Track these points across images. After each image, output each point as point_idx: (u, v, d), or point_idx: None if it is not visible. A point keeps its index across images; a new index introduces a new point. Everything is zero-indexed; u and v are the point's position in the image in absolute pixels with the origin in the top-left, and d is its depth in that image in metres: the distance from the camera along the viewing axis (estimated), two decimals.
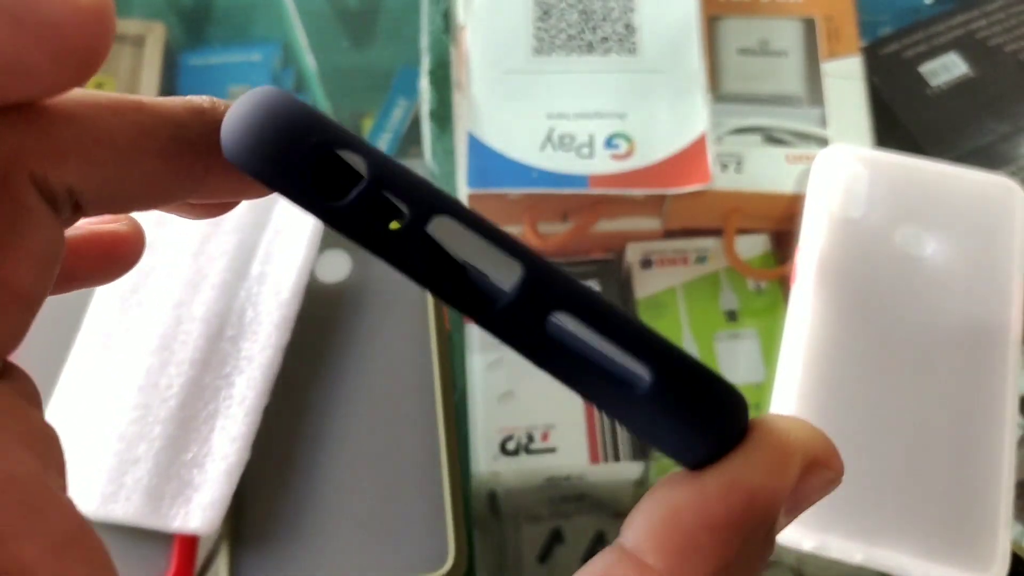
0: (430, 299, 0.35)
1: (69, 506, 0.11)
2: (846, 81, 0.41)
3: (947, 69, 0.44)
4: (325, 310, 0.36)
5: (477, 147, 0.38)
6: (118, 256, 0.16)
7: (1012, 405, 0.30)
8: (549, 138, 0.38)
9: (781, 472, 0.12)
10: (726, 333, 0.37)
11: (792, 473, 0.13)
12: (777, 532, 0.13)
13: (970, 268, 0.33)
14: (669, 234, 0.39)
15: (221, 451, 0.31)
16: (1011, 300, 0.32)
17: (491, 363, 0.37)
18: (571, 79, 0.40)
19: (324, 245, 0.36)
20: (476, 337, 0.37)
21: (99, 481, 0.31)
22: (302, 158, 0.12)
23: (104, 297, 0.35)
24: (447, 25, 0.42)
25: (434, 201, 0.12)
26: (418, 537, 0.31)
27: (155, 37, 0.46)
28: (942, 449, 0.29)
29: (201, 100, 0.14)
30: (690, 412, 0.12)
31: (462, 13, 0.41)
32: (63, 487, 0.11)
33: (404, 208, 0.12)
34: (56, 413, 0.33)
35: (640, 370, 0.12)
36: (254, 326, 0.34)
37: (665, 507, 0.12)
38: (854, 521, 0.28)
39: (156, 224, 0.36)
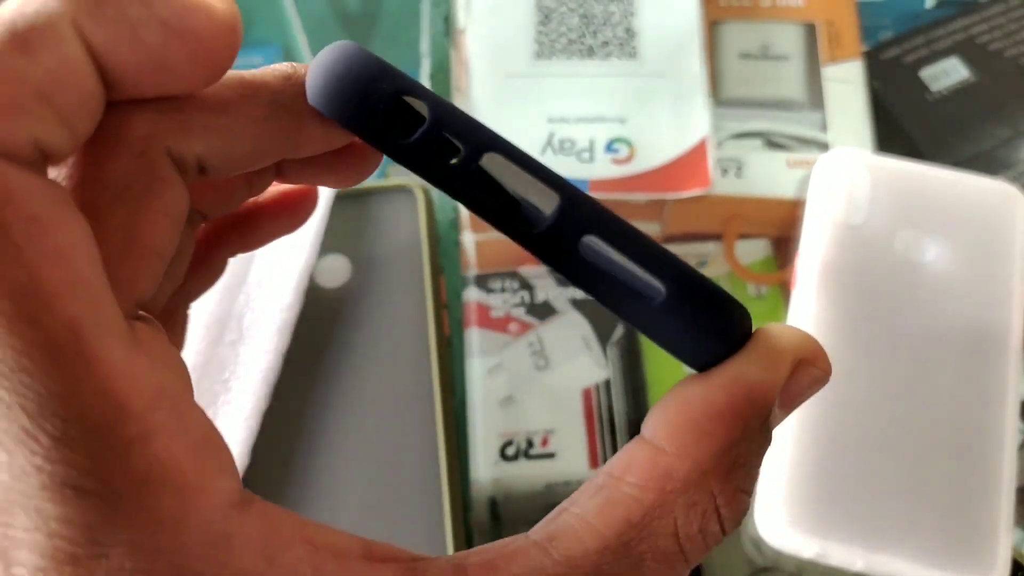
0: (430, 304, 0.35)
1: (203, 415, 0.14)
2: (847, 86, 0.41)
3: (948, 74, 0.44)
4: (325, 315, 0.36)
5: None
6: (304, 206, 0.20)
7: (1013, 410, 0.30)
8: (549, 142, 0.38)
9: (774, 368, 0.15)
10: None
11: (783, 369, 0.15)
12: (774, 425, 0.15)
13: (971, 273, 0.33)
14: (669, 239, 0.39)
15: None
16: (1012, 305, 0.32)
17: (491, 368, 0.36)
18: (572, 83, 0.40)
19: (324, 250, 0.36)
20: (476, 342, 0.37)
21: None
22: (374, 103, 0.14)
23: None
24: (447, 29, 0.42)
25: (485, 140, 0.14)
26: (417, 543, 0.31)
27: None
28: (943, 455, 0.29)
29: (285, 66, 0.16)
30: (697, 321, 0.14)
31: (462, 17, 0.41)
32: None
33: (460, 145, 0.14)
34: None
35: (657, 284, 0.14)
36: (253, 331, 0.34)
37: (677, 401, 0.14)
38: (855, 528, 0.28)
39: None
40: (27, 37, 0.12)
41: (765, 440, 0.15)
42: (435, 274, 0.36)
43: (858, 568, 0.27)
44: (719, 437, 0.14)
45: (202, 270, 0.20)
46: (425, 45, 0.42)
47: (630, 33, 0.41)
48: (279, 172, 0.18)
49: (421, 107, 0.15)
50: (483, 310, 0.37)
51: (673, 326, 0.14)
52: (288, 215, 0.20)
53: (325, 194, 0.36)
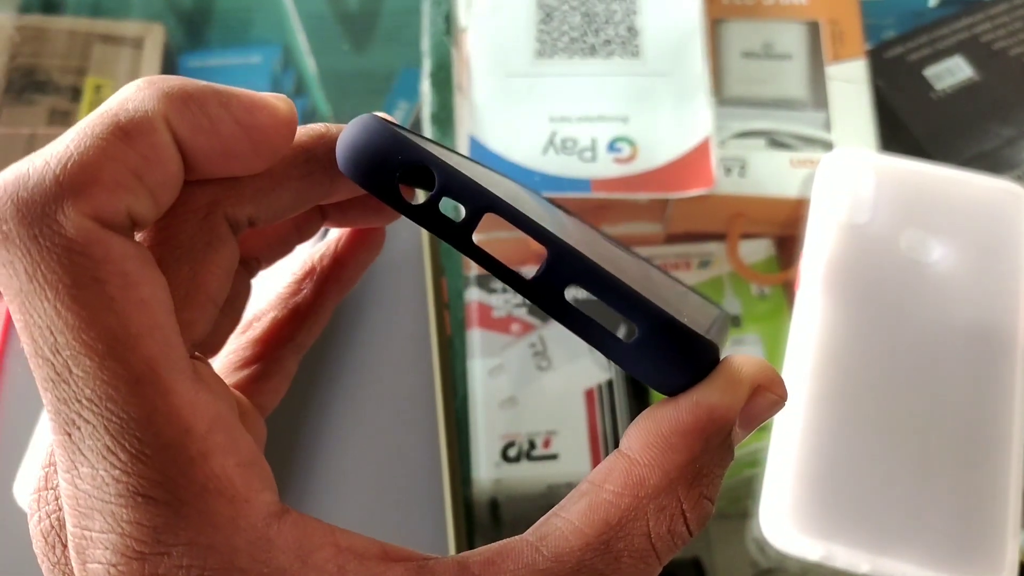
0: (431, 304, 0.35)
1: (250, 439, 0.16)
2: (850, 85, 0.41)
3: (952, 73, 0.44)
4: None
5: (479, 150, 0.38)
6: (374, 239, 0.22)
7: (1020, 412, 0.30)
8: (551, 141, 0.38)
9: (733, 394, 0.17)
10: (730, 338, 0.37)
11: (742, 395, 0.17)
12: (735, 442, 0.17)
13: (976, 273, 0.32)
14: (672, 239, 0.39)
15: None
16: (1017, 305, 0.32)
17: (492, 369, 0.36)
18: (573, 82, 0.39)
19: None
20: (477, 342, 0.36)
21: None
22: (389, 172, 0.17)
23: None
24: (448, 27, 0.42)
25: (485, 203, 0.17)
26: (419, 543, 0.31)
27: (154, 39, 0.46)
28: (949, 456, 0.29)
29: (319, 127, 0.18)
30: (666, 358, 0.17)
31: (464, 15, 0.40)
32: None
33: (463, 207, 0.17)
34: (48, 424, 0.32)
35: (632, 327, 0.17)
36: None
37: (650, 420, 0.17)
38: (860, 531, 0.28)
39: None
40: (127, 128, 0.15)
41: (727, 454, 0.17)
42: (436, 274, 0.36)
43: (863, 571, 0.27)
44: (685, 451, 0.17)
45: (311, 322, 0.22)
46: (426, 44, 0.42)
47: (632, 32, 0.40)
48: (324, 216, 0.21)
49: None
50: (485, 310, 0.37)
51: (646, 363, 0.17)
52: (365, 251, 0.23)
53: None
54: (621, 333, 0.17)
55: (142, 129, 0.15)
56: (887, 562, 0.27)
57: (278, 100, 0.17)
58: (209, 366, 0.17)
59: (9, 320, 0.35)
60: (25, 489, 0.31)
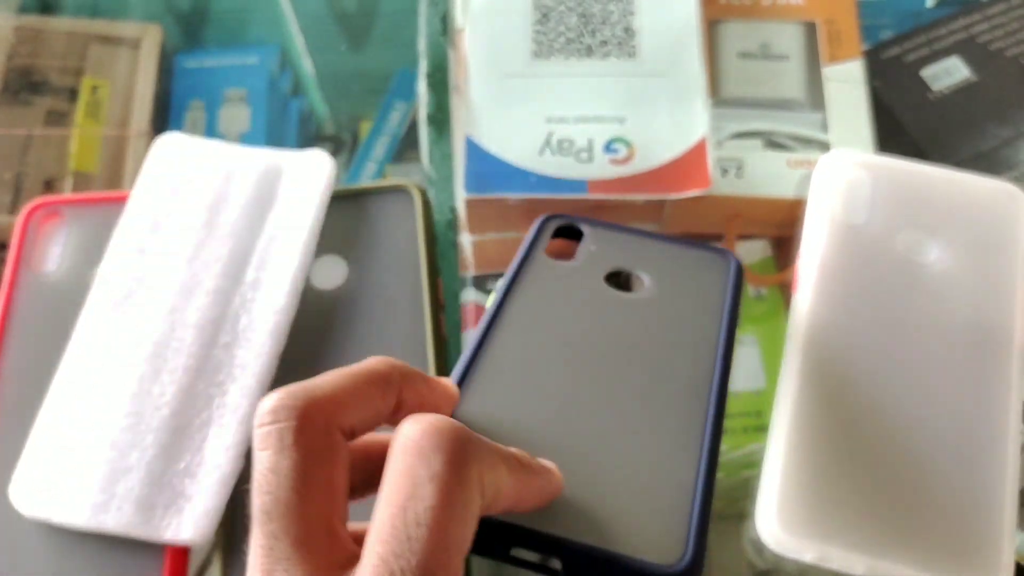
0: (427, 306, 0.35)
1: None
2: (847, 85, 0.41)
3: (949, 73, 0.44)
4: (321, 317, 0.35)
5: (475, 151, 0.38)
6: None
7: (1016, 413, 0.30)
8: (548, 142, 0.38)
9: None
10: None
11: None
12: None
13: (973, 274, 0.32)
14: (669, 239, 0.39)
15: (214, 460, 0.31)
16: (1014, 306, 0.32)
17: None
18: (570, 83, 0.39)
19: (320, 251, 0.36)
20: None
21: (90, 490, 0.31)
22: (504, 552, 0.23)
23: (97, 303, 0.34)
24: (445, 28, 0.42)
25: None
26: None
27: (151, 39, 0.46)
28: (945, 458, 0.29)
29: (384, 368, 0.23)
30: None
31: (460, 16, 0.40)
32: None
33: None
34: (47, 419, 0.32)
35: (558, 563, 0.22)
36: (248, 333, 0.33)
37: None
38: (856, 532, 0.28)
39: (150, 230, 0.36)
40: (383, 382, 0.22)
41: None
42: (432, 275, 0.35)
43: (859, 572, 0.27)
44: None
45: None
46: (423, 44, 0.42)
47: (629, 32, 0.40)
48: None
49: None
50: (481, 311, 0.37)
51: None
52: None
53: (320, 194, 0.36)
54: None
55: (391, 389, 0.22)
56: (882, 564, 0.27)
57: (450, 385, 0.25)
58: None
59: (4, 317, 0.35)
60: (22, 489, 0.31)
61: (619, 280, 0.31)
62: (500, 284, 0.30)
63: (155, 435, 0.31)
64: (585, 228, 0.32)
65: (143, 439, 0.31)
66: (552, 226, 0.32)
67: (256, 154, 0.38)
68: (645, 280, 0.30)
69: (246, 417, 0.32)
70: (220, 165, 0.37)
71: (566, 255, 0.31)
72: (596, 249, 0.31)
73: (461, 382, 0.26)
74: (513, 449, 0.22)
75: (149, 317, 0.34)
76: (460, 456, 0.19)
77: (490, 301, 0.29)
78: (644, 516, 0.24)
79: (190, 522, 0.30)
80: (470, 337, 0.36)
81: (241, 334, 0.33)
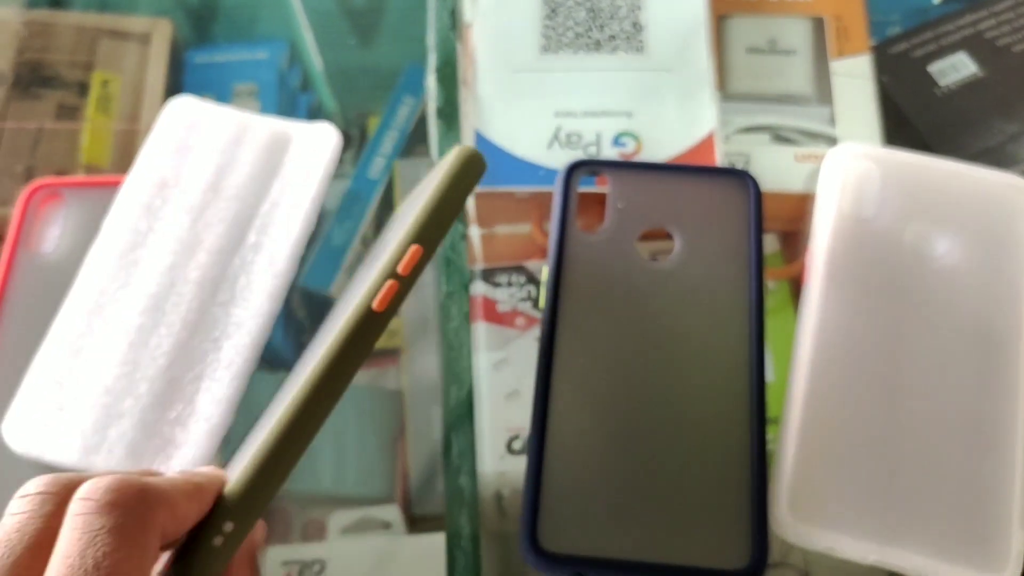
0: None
1: None
2: (855, 80, 0.41)
3: (956, 69, 0.44)
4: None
5: (484, 145, 0.38)
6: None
7: None
8: (556, 136, 0.38)
9: None
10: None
11: None
12: None
13: (981, 267, 0.33)
14: None
15: (205, 412, 0.32)
16: (1022, 300, 0.32)
17: (497, 362, 0.36)
18: (578, 77, 0.40)
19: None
20: (482, 336, 0.37)
21: (83, 431, 0.32)
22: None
23: (100, 254, 0.35)
24: (454, 23, 0.42)
25: None
26: None
27: (161, 34, 0.46)
28: (955, 449, 0.29)
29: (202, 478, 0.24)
30: None
31: (469, 11, 0.41)
32: None
33: None
34: (44, 361, 0.33)
35: None
36: (246, 293, 0.34)
37: None
38: (867, 522, 0.28)
39: (157, 188, 0.36)
40: (203, 492, 0.23)
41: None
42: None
43: (871, 561, 0.27)
44: None
45: None
46: (432, 39, 0.42)
47: (637, 27, 0.40)
48: None
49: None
50: (489, 304, 0.37)
51: None
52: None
53: (325, 164, 0.37)
54: None
55: (208, 498, 0.22)
56: (893, 552, 0.27)
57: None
58: None
59: (0, 296, 0.36)
60: (14, 427, 0.32)
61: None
62: (547, 274, 0.30)
63: (150, 384, 0.32)
64: (609, 174, 0.33)
65: (138, 387, 0.32)
66: (579, 174, 0.33)
67: (265, 122, 0.39)
68: (675, 238, 0.31)
69: (239, 373, 0.33)
70: (230, 129, 0.38)
71: (597, 220, 0.31)
72: (623, 207, 0.31)
73: (544, 394, 0.28)
74: (185, 475, 0.23)
75: (151, 271, 0.35)
76: (139, 507, 0.20)
77: (542, 298, 0.30)
78: (706, 522, 0.25)
79: (178, 469, 0.31)
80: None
81: (239, 294, 0.34)
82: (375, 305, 0.24)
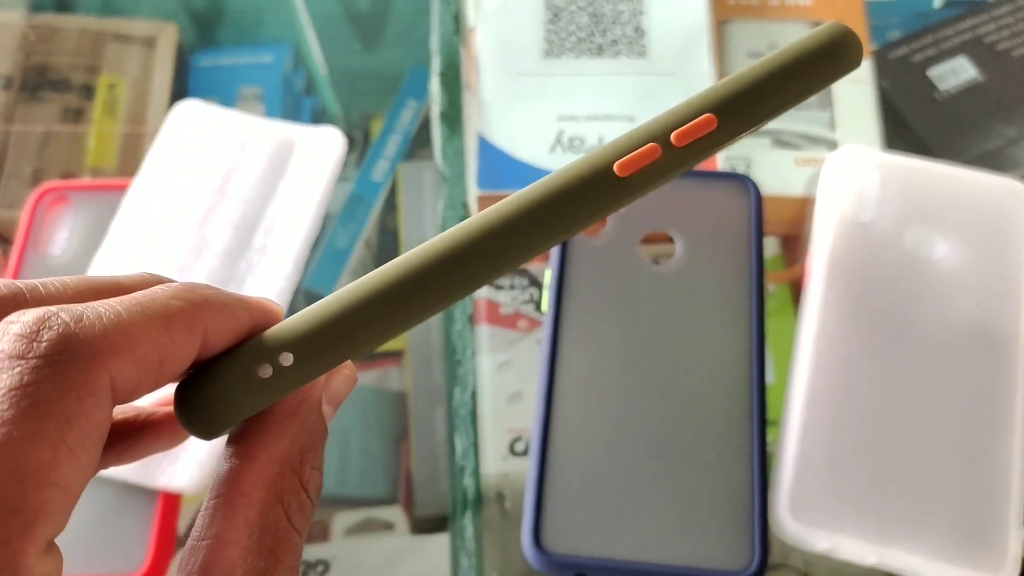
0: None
1: None
2: (855, 85, 0.41)
3: (956, 73, 0.44)
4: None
5: (487, 149, 0.38)
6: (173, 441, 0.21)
7: (1022, 407, 0.30)
8: (559, 140, 0.39)
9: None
10: None
11: (320, 379, 0.19)
12: (328, 419, 0.19)
13: (981, 271, 0.33)
14: None
15: None
16: (1021, 302, 0.32)
17: (500, 364, 0.37)
18: (581, 81, 0.40)
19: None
20: (485, 338, 0.37)
21: None
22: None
23: (108, 257, 0.36)
24: (457, 27, 0.42)
25: None
26: None
27: (167, 38, 0.46)
28: (953, 451, 0.30)
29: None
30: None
31: (472, 15, 0.41)
32: None
33: None
34: None
35: None
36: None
37: (249, 421, 0.18)
38: (866, 523, 0.28)
39: (164, 191, 0.37)
40: (172, 318, 0.17)
41: (322, 430, 0.19)
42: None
43: (870, 563, 0.28)
44: (287, 437, 0.18)
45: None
46: (435, 43, 0.43)
47: (639, 32, 0.41)
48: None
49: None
50: (492, 307, 0.37)
51: None
52: (169, 436, 0.21)
53: (330, 168, 0.37)
54: None
55: (184, 325, 0.17)
56: (893, 553, 0.28)
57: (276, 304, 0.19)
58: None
59: (17, 270, 0.37)
60: None
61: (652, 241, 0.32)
62: (549, 277, 0.30)
63: None
64: None
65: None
66: None
67: (271, 125, 0.39)
68: (676, 241, 0.31)
69: None
70: (236, 133, 0.38)
71: (599, 224, 0.31)
72: (625, 210, 0.31)
73: (546, 396, 0.27)
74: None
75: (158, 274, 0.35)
76: (63, 359, 0.15)
77: (545, 301, 0.30)
78: (707, 524, 0.25)
79: (185, 471, 0.31)
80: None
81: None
82: (617, 168, 0.17)
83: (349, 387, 0.20)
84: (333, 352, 0.17)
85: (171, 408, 0.19)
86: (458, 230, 0.17)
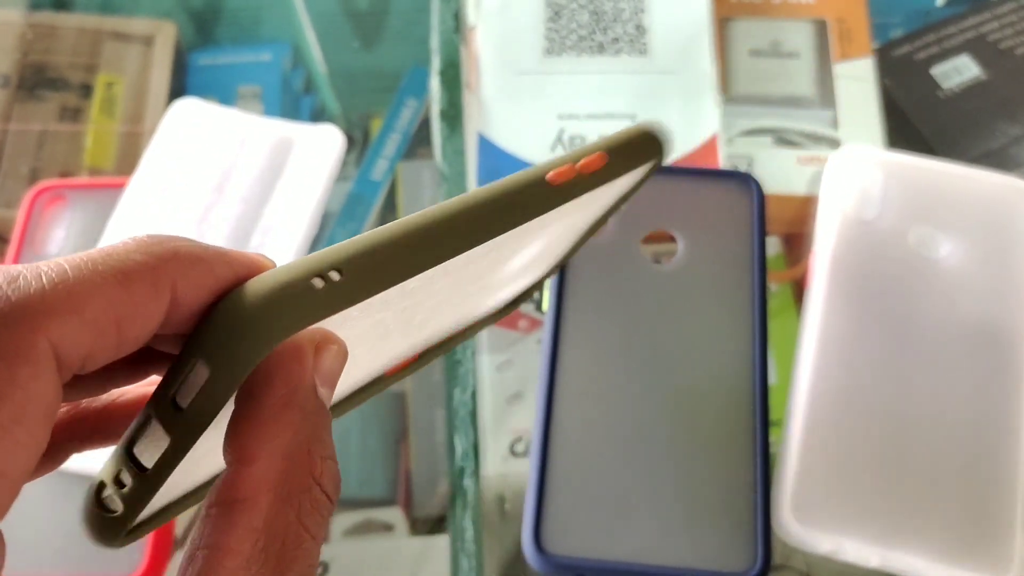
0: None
1: None
2: (858, 83, 0.41)
3: (959, 71, 0.44)
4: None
5: (487, 147, 0.38)
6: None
7: None
8: (560, 139, 0.38)
9: (299, 359, 0.16)
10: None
11: (308, 357, 0.17)
12: (327, 402, 0.17)
13: (984, 269, 0.33)
14: None
15: None
16: None
17: (500, 364, 0.36)
18: (582, 80, 0.40)
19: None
20: (485, 339, 0.37)
21: None
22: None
23: None
24: (457, 25, 0.42)
25: None
26: None
27: (165, 36, 0.46)
28: (958, 452, 0.29)
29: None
30: None
31: (473, 13, 0.41)
32: None
33: None
34: None
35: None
36: None
37: (240, 419, 0.16)
38: (870, 524, 0.28)
39: (162, 189, 0.37)
40: (129, 273, 0.15)
41: (324, 414, 0.17)
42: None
43: (873, 564, 0.27)
44: (287, 429, 0.16)
45: (46, 460, 0.18)
46: (435, 41, 0.42)
47: (640, 30, 0.40)
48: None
49: None
50: None
51: None
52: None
53: (328, 167, 0.37)
54: None
55: (146, 281, 0.15)
56: (897, 555, 0.27)
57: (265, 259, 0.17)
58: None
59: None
60: None
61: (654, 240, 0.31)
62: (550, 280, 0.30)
63: None
64: None
65: None
66: None
67: (270, 124, 0.39)
68: (678, 240, 0.31)
69: None
70: (234, 132, 0.38)
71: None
72: (626, 209, 0.31)
73: (547, 397, 0.27)
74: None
75: None
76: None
77: (546, 301, 0.30)
78: (710, 525, 0.25)
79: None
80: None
81: None
82: (550, 176, 0.20)
83: (341, 363, 0.18)
84: (381, 272, 0.17)
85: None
86: (487, 187, 0.19)
